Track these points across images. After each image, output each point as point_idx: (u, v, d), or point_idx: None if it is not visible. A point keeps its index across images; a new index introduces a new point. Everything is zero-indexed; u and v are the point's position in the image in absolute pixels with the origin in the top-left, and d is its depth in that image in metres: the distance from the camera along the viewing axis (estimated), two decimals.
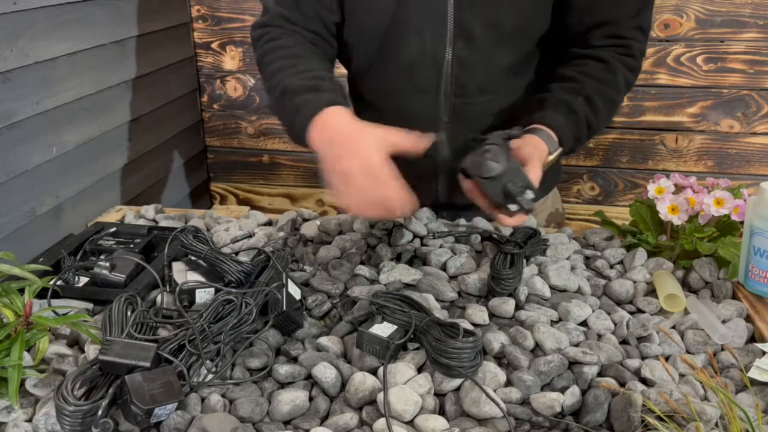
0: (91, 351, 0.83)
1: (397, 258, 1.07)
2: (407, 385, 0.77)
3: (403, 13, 1.08)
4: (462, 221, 1.16)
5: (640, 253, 1.05)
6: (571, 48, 1.12)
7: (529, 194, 0.91)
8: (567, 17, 1.10)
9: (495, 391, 0.77)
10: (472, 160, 0.93)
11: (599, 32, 1.09)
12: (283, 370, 0.81)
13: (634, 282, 1.00)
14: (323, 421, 0.76)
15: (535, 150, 0.99)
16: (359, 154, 0.89)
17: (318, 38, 1.14)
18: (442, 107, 1.14)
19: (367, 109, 1.21)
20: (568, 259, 1.07)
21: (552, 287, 0.99)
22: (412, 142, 0.91)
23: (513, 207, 0.91)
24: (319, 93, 0.98)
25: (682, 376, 0.81)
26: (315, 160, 0.93)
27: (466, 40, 1.08)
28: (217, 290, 0.92)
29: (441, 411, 0.77)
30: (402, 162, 1.21)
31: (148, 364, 0.74)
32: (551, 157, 1.01)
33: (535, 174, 0.95)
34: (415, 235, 1.13)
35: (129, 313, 0.84)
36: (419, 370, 0.82)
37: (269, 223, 1.25)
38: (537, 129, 1.02)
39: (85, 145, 1.41)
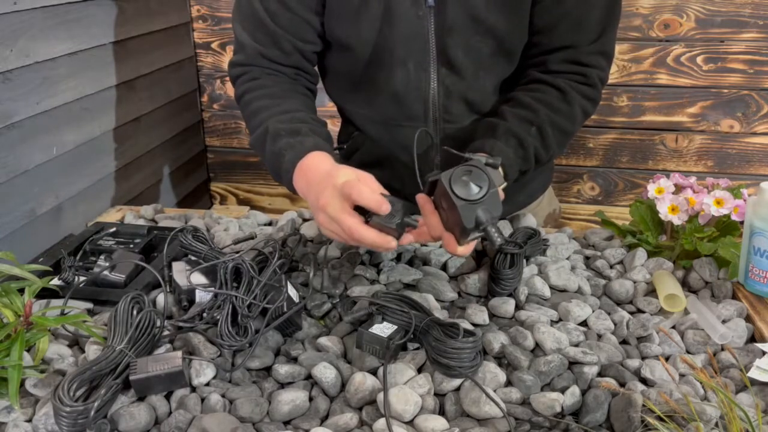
0: (92, 351, 0.83)
1: (397, 258, 1.07)
2: (407, 385, 0.77)
3: (386, 41, 1.06)
4: None
5: (640, 253, 1.05)
6: (530, 70, 1.08)
7: (500, 227, 0.85)
8: (531, 36, 1.07)
9: (495, 391, 0.77)
10: (457, 179, 0.84)
11: (558, 56, 1.05)
12: (283, 370, 0.81)
13: (634, 282, 1.00)
14: (323, 421, 0.76)
15: None
16: (323, 200, 0.88)
17: (299, 72, 1.13)
18: (431, 132, 1.13)
19: (361, 137, 1.20)
20: (568, 259, 1.07)
21: (552, 287, 0.99)
22: (373, 203, 0.85)
23: (474, 235, 0.85)
24: (301, 137, 0.98)
25: (682, 376, 0.81)
26: None
27: (449, 67, 1.07)
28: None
29: (441, 411, 0.77)
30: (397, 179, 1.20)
31: (180, 368, 0.76)
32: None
33: None
34: None
35: (135, 313, 0.84)
36: (419, 370, 0.82)
37: (269, 223, 1.25)
38: None
39: (85, 145, 1.40)
